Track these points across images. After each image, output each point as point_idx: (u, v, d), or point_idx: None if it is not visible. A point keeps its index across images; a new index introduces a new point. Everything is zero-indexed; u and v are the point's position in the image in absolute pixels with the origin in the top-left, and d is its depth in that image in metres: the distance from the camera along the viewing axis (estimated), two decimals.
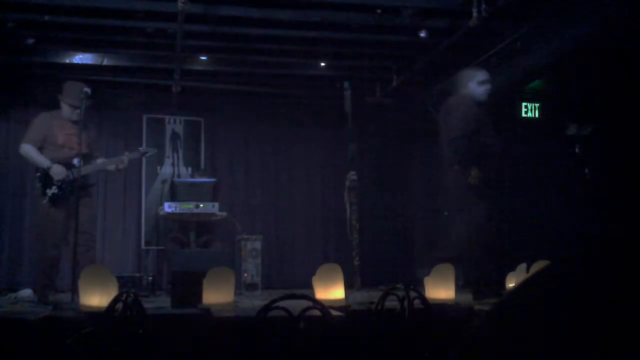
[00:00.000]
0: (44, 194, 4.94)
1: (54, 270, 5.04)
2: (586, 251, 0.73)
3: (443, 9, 5.45)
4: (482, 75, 5.07)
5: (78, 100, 4.82)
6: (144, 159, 6.82)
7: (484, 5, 4.87)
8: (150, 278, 6.16)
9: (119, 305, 2.92)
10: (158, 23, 5.61)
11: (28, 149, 5.02)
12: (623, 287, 0.67)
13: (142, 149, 5.77)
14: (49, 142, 5.04)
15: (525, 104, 6.55)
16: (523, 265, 5.68)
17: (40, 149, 5.03)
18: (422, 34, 5.62)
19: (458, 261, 4.60)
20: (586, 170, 6.00)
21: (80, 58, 6.47)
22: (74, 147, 4.90)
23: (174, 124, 7.73)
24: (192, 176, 7.46)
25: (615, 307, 0.66)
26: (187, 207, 5.98)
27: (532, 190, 6.74)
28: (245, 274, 6.05)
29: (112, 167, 5.30)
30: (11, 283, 6.65)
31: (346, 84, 6.25)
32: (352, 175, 5.91)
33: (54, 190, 4.92)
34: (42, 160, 4.97)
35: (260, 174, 7.95)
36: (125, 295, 2.99)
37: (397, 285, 3.90)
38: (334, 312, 3.31)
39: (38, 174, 5.00)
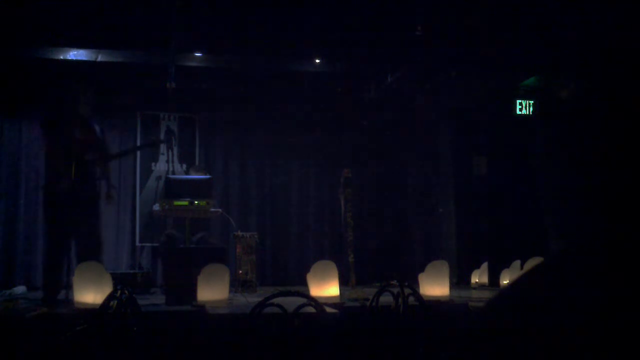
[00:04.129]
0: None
1: None
2: (579, 248, 0.74)
3: None
4: None
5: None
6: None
7: None
8: (145, 275, 6.15)
9: (114, 303, 2.91)
10: (153, 19, 5.59)
11: None
12: (617, 284, 0.68)
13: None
14: None
15: (520, 100, 6.59)
16: (517, 262, 5.72)
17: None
18: (418, 32, 5.63)
19: None
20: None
21: (75, 54, 6.43)
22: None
23: (169, 121, 7.71)
24: (186, 173, 7.43)
25: (608, 303, 0.66)
26: (182, 203, 5.95)
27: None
28: (240, 271, 6.04)
29: None
30: (5, 280, 6.63)
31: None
32: (347, 172, 5.91)
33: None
34: None
35: (255, 171, 7.94)
36: (119, 292, 2.99)
37: (392, 282, 3.91)
38: (329, 309, 3.32)
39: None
